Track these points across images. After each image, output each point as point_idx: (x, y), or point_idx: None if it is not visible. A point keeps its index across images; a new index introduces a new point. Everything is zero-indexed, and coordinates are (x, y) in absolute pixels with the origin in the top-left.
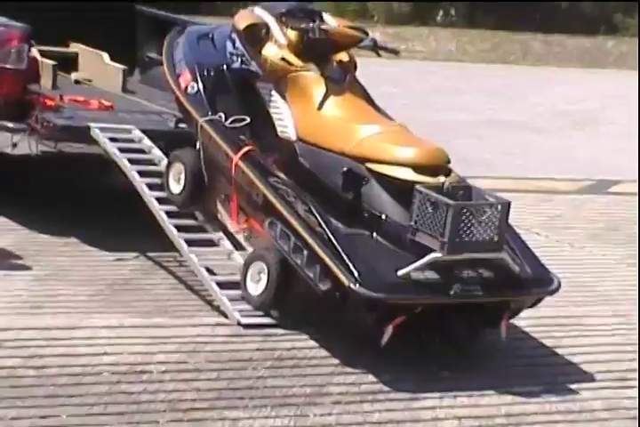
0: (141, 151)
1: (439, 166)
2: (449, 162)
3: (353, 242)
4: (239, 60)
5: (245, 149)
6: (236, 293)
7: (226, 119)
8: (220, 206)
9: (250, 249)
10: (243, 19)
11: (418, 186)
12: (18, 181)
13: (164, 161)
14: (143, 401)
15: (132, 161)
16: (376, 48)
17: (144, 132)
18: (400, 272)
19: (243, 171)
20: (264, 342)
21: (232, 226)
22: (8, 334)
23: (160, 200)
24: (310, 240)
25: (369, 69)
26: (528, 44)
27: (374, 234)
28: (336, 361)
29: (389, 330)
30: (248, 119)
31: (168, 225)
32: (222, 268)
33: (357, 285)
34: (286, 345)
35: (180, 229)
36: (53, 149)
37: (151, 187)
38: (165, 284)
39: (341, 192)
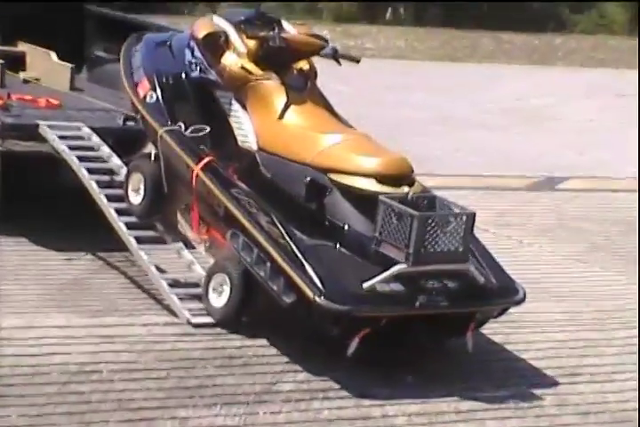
0: (90, 148)
1: (403, 176)
2: (412, 171)
3: (317, 254)
4: (198, 68)
5: (206, 159)
6: (185, 291)
7: (185, 129)
8: (180, 217)
9: (211, 260)
10: (201, 27)
11: (381, 196)
12: None
13: (114, 158)
14: (93, 401)
15: (81, 158)
16: (337, 56)
17: (93, 129)
18: (365, 285)
19: (203, 182)
20: (214, 340)
21: (193, 236)
22: None
23: (110, 198)
24: (273, 252)
25: (318, 66)
26: (476, 41)
27: (338, 245)
28: (286, 359)
29: (355, 343)
30: (208, 129)
31: (118, 222)
32: (172, 266)
33: (322, 297)
34: (236, 344)
35: (129, 226)
36: (0, 147)
37: (100, 184)
38: (115, 283)
39: (304, 203)
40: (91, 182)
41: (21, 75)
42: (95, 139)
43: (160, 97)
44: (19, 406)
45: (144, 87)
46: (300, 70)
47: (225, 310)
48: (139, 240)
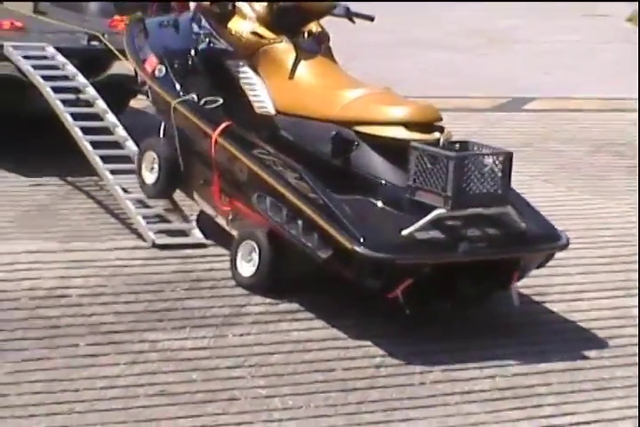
0: (55, 68)
1: (432, 123)
2: (441, 119)
3: (350, 206)
4: (206, 39)
5: (224, 124)
6: (151, 211)
7: (199, 100)
8: (197, 194)
9: (234, 233)
10: None
11: (413, 143)
12: None
13: (79, 76)
14: (62, 325)
15: (46, 77)
16: (350, 15)
17: (57, 49)
18: (404, 232)
19: (223, 147)
20: (182, 263)
21: (214, 210)
22: None
23: (74, 116)
24: (305, 207)
25: None
26: None
27: (371, 198)
28: None
29: (399, 296)
30: (221, 100)
31: (83, 142)
32: (138, 187)
33: (362, 247)
34: (205, 266)
35: (95, 145)
36: None
37: (66, 103)
38: (83, 208)
39: (331, 158)
40: (56, 101)
41: None
42: (60, 58)
43: (170, 70)
44: None
45: (152, 63)
46: (312, 33)
47: (255, 279)
48: (104, 160)
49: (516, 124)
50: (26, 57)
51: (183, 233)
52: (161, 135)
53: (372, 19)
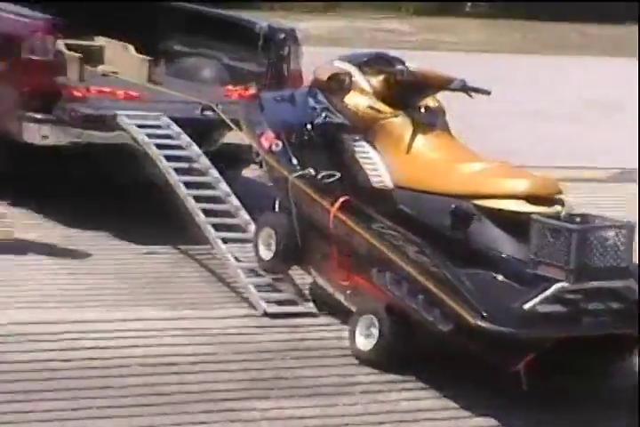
0: (169, 137)
1: (553, 196)
2: (562, 192)
3: (472, 280)
4: (323, 113)
5: (342, 199)
6: (263, 280)
7: (316, 175)
8: (314, 268)
9: (353, 308)
10: (324, 71)
11: (534, 216)
12: (46, 173)
13: (193, 146)
14: (173, 392)
15: (159, 146)
16: (467, 89)
17: (171, 119)
18: (526, 306)
19: (342, 222)
20: (293, 332)
21: (332, 286)
22: (41, 327)
23: (188, 185)
24: (426, 282)
25: None
26: (558, 34)
27: (491, 272)
28: None
29: (522, 371)
30: (338, 174)
31: (196, 210)
32: (250, 255)
33: (484, 321)
34: (315, 335)
35: (208, 214)
36: (79, 139)
37: (179, 171)
38: (195, 276)
39: (451, 232)
40: (169, 170)
41: (99, 68)
42: (174, 128)
43: (287, 144)
44: (99, 398)
45: (268, 138)
46: (428, 107)
47: (374, 354)
48: (217, 228)
49: (630, 194)
50: (140, 126)
51: (294, 302)
52: (276, 210)
53: (488, 93)
